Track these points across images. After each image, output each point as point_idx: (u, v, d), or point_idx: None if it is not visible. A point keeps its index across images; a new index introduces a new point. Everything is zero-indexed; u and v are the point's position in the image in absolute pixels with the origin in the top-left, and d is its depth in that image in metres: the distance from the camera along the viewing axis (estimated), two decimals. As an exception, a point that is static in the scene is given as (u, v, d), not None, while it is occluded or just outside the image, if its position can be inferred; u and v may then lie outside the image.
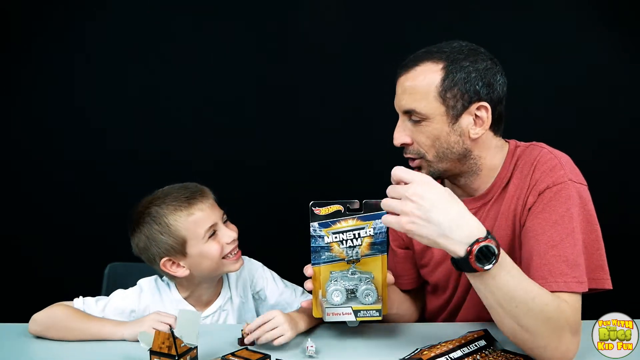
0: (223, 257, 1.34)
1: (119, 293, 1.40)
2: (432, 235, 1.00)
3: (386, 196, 1.05)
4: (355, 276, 1.15)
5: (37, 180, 2.18)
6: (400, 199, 1.02)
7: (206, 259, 1.33)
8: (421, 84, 1.19)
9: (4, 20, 2.12)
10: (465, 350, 1.14)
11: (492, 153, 1.27)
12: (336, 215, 1.14)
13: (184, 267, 1.33)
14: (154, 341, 1.09)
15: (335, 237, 1.15)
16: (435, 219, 1.00)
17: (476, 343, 1.16)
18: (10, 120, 2.17)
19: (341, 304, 1.13)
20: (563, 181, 1.17)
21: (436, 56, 1.20)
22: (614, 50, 2.07)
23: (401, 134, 1.24)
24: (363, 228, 1.15)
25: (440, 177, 1.28)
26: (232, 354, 1.14)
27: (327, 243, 1.15)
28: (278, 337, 1.18)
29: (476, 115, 1.21)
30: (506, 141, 1.31)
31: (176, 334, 1.08)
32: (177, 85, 2.16)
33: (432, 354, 1.11)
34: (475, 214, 1.27)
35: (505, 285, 1.02)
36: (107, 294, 1.69)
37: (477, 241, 1.00)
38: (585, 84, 2.08)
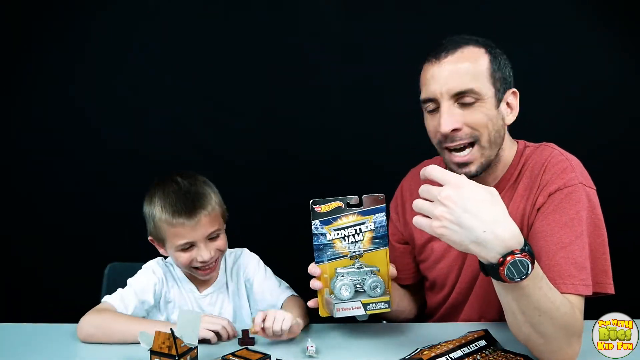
0: (193, 267, 1.41)
1: (134, 281, 1.43)
2: (464, 241, 0.95)
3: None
4: (362, 270, 1.16)
5: (37, 180, 2.18)
6: (432, 201, 0.97)
7: (176, 260, 1.42)
8: (473, 65, 1.18)
9: (4, 20, 2.12)
10: (466, 350, 1.14)
11: (507, 146, 1.28)
12: (337, 211, 1.15)
13: (164, 250, 1.44)
14: (154, 341, 1.09)
15: (337, 234, 1.16)
16: (468, 224, 0.94)
17: (476, 343, 1.16)
18: (10, 120, 2.17)
19: (350, 299, 1.14)
20: (574, 184, 1.18)
21: (473, 42, 1.21)
22: (614, 50, 2.07)
23: (451, 120, 1.18)
24: (364, 223, 1.16)
25: (485, 170, 1.24)
26: (232, 354, 1.14)
27: (330, 240, 1.16)
28: (284, 321, 1.21)
29: (507, 103, 1.23)
30: (515, 141, 1.32)
31: (176, 334, 1.08)
32: (177, 85, 2.16)
33: (432, 354, 1.11)
34: None
35: (532, 295, 1.00)
36: (107, 294, 1.70)
37: (511, 253, 0.94)
38: (586, 84, 2.08)
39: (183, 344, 1.08)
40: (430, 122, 1.25)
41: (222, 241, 1.42)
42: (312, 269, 1.17)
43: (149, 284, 1.42)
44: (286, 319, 1.21)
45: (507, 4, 2.06)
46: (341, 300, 1.14)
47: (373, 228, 1.16)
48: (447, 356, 1.11)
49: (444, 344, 1.16)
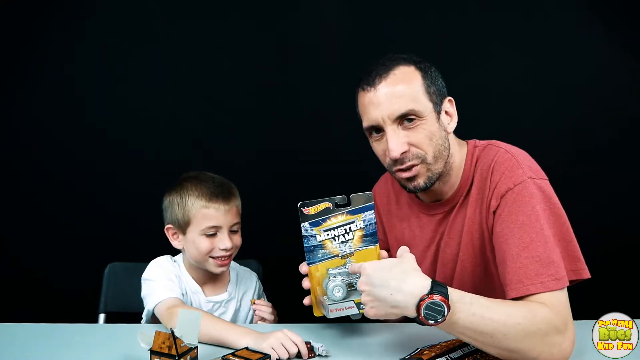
0: (210, 256, 1.44)
1: (154, 280, 1.42)
2: (387, 310, 1.05)
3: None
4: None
5: (37, 180, 2.18)
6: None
7: (195, 249, 1.44)
8: (409, 85, 1.21)
9: (4, 19, 2.12)
10: (465, 350, 1.14)
11: (455, 150, 1.29)
12: (325, 212, 1.15)
13: (179, 242, 1.48)
14: (154, 341, 1.09)
15: (327, 235, 1.16)
16: (380, 295, 1.04)
17: (476, 343, 1.16)
18: (10, 120, 2.17)
19: (343, 299, 1.14)
20: (522, 180, 1.17)
21: (402, 60, 1.24)
22: (614, 51, 2.07)
23: (398, 143, 1.20)
24: (353, 222, 1.17)
25: (434, 183, 1.25)
26: (232, 354, 1.14)
27: (320, 241, 1.17)
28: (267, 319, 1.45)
29: (446, 112, 1.26)
30: (465, 142, 1.33)
31: (176, 333, 1.08)
32: (177, 85, 2.16)
33: (432, 354, 1.12)
34: (443, 219, 1.31)
35: (470, 324, 1.03)
36: (107, 294, 1.71)
37: (421, 300, 1.01)
38: (585, 84, 2.08)
39: (183, 344, 1.08)
40: (377, 146, 1.26)
41: (239, 238, 1.49)
42: (302, 267, 1.20)
43: (172, 278, 1.43)
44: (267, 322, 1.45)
45: (507, 4, 2.07)
46: (334, 301, 1.14)
47: (363, 226, 1.17)
48: (447, 356, 1.11)
49: (444, 344, 1.16)
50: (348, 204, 1.16)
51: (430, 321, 1.01)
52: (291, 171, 2.15)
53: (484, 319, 1.03)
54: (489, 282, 1.25)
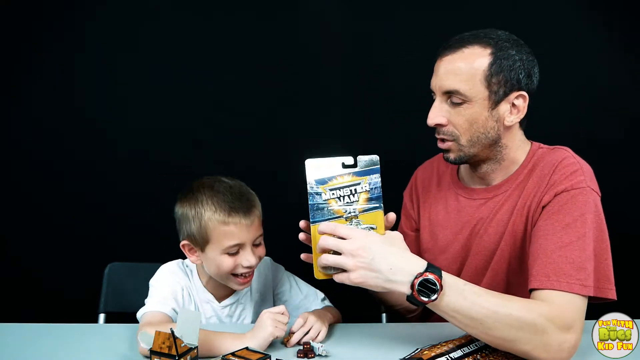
0: (233, 274, 1.34)
1: (162, 284, 1.35)
2: (380, 282, 1.06)
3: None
4: (360, 227, 1.13)
5: (37, 180, 2.18)
6: (341, 254, 1.06)
7: (215, 267, 1.33)
8: (468, 66, 1.21)
9: (4, 19, 2.12)
10: (465, 350, 1.14)
11: (516, 146, 1.30)
12: (332, 171, 1.13)
13: (197, 257, 1.35)
14: (154, 341, 1.09)
15: (333, 194, 1.14)
16: (378, 267, 1.05)
17: (476, 343, 1.16)
18: (10, 120, 2.17)
19: None
20: (582, 187, 1.18)
21: (484, 41, 1.23)
22: (614, 51, 2.07)
23: (437, 115, 1.25)
24: (359, 183, 1.14)
25: (467, 162, 1.31)
26: (233, 354, 1.14)
27: (325, 200, 1.13)
28: (317, 336, 1.24)
29: (513, 104, 1.24)
30: (530, 141, 1.34)
31: (176, 333, 1.08)
32: (177, 85, 2.16)
33: (432, 354, 1.12)
34: (485, 203, 1.32)
35: (460, 308, 1.06)
36: (107, 294, 1.70)
37: (416, 277, 1.05)
38: (586, 84, 2.08)
39: (183, 344, 1.08)
40: None
41: (263, 249, 1.37)
42: (302, 223, 1.16)
43: (176, 290, 1.35)
44: (321, 333, 1.25)
45: (507, 4, 2.07)
46: None
47: (368, 189, 1.14)
48: (447, 356, 1.11)
49: (444, 344, 1.16)
50: (355, 165, 1.14)
51: (423, 298, 1.04)
52: (291, 171, 2.15)
53: (475, 304, 1.05)
54: (521, 277, 1.25)
